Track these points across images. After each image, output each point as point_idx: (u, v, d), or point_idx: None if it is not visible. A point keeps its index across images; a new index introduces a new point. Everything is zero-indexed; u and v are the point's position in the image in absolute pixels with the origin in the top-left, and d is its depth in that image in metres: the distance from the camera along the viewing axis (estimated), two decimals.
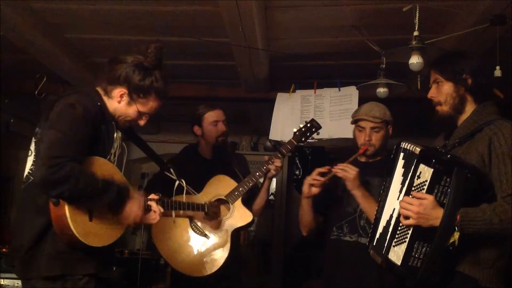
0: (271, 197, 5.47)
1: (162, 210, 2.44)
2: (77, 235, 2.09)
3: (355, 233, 2.82)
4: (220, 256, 3.09)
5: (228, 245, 3.10)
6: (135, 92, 2.30)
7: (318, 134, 3.22)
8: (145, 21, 3.52)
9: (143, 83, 2.29)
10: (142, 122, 2.41)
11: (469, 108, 2.26)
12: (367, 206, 2.71)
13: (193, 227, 3.11)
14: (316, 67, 4.33)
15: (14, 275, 3.43)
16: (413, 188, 2.12)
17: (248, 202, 3.25)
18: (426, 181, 2.07)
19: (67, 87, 4.37)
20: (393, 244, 2.16)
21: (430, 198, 2.05)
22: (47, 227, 2.15)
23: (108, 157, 2.28)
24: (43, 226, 2.15)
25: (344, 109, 4.27)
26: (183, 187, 2.81)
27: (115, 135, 2.31)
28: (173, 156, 3.59)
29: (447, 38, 3.30)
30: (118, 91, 2.30)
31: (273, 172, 3.19)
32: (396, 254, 2.13)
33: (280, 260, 5.41)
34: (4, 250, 3.71)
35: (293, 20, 3.47)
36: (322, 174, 2.79)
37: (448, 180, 2.03)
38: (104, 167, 2.22)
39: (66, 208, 2.08)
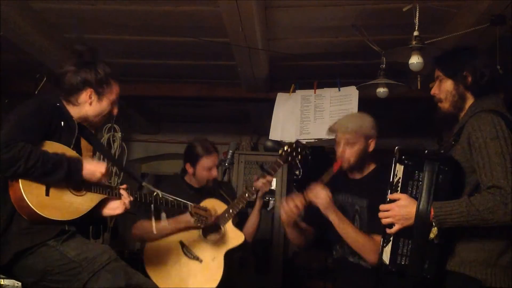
0: (271, 197, 5.46)
1: (131, 198, 2.47)
2: (31, 206, 2.15)
3: (356, 255, 2.66)
4: (214, 279, 3.07)
5: (221, 268, 3.09)
6: (100, 87, 2.43)
7: (303, 155, 3.19)
8: (145, 21, 3.52)
9: (100, 75, 2.43)
10: (115, 111, 2.54)
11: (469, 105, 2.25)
12: (343, 231, 2.59)
13: (185, 251, 3.11)
14: (316, 67, 4.33)
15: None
16: (392, 188, 2.13)
17: (239, 226, 3.25)
18: (400, 178, 2.10)
19: None
20: (384, 245, 2.15)
21: (403, 196, 2.07)
22: (12, 213, 2.21)
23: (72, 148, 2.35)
24: (9, 213, 2.21)
25: (344, 109, 4.26)
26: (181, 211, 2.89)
27: (76, 132, 2.39)
28: (159, 179, 3.59)
29: (447, 38, 3.29)
30: (84, 95, 2.42)
31: (264, 189, 3.18)
32: (386, 254, 2.13)
33: (280, 260, 5.41)
34: None
35: (293, 20, 3.47)
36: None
37: (420, 174, 2.06)
38: (59, 149, 2.27)
39: (20, 180, 2.16)
